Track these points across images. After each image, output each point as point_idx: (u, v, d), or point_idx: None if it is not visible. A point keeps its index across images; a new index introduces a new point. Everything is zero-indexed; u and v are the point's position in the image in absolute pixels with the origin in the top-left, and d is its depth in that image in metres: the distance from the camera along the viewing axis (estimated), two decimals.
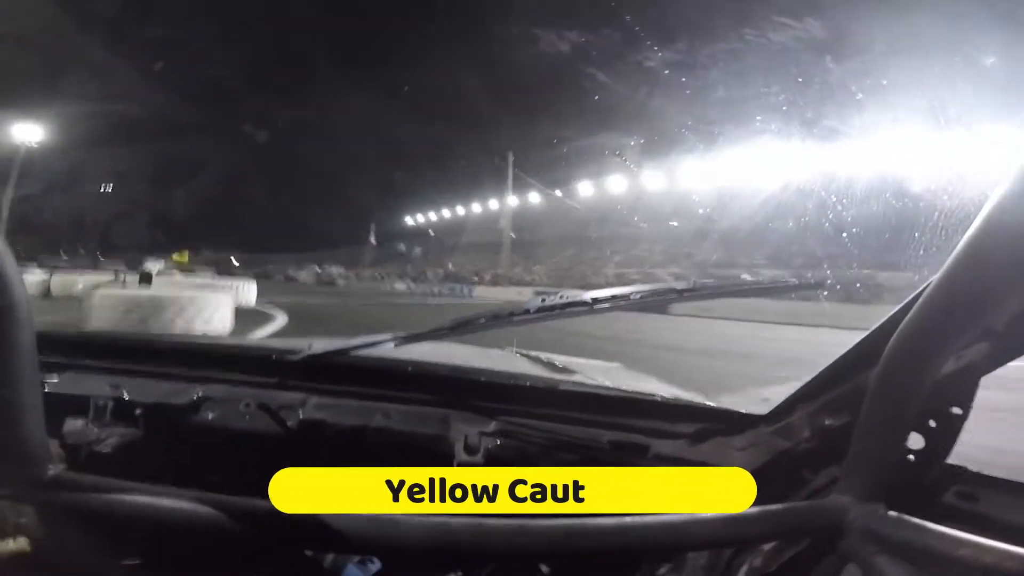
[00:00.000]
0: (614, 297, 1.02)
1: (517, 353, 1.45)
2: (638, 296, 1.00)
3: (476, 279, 32.17)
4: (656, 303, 1.01)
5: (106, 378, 0.97)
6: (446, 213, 50.06)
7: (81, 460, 0.90)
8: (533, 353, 1.43)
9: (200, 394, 0.97)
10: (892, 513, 0.56)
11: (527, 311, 1.01)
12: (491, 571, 0.92)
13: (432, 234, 47.88)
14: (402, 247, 48.30)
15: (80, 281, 14.16)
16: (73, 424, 0.93)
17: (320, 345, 1.03)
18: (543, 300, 1.02)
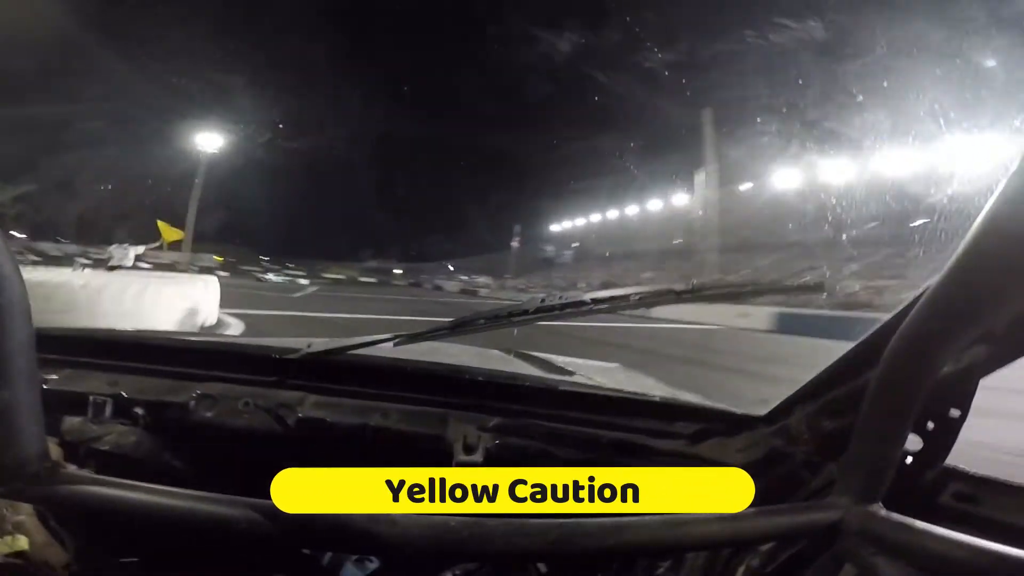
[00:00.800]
0: (613, 298, 1.02)
1: (516, 353, 1.45)
2: (637, 297, 1.00)
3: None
4: (655, 304, 1.01)
5: (104, 376, 0.97)
6: (596, 217, 44.26)
7: (79, 458, 0.90)
8: (532, 353, 1.44)
9: (198, 392, 0.97)
10: (890, 514, 0.56)
11: (526, 311, 1.01)
12: (488, 570, 0.92)
13: (576, 245, 42.43)
14: (550, 251, 42.72)
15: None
16: (71, 422, 0.93)
17: (319, 344, 1.03)
18: (542, 300, 1.02)
